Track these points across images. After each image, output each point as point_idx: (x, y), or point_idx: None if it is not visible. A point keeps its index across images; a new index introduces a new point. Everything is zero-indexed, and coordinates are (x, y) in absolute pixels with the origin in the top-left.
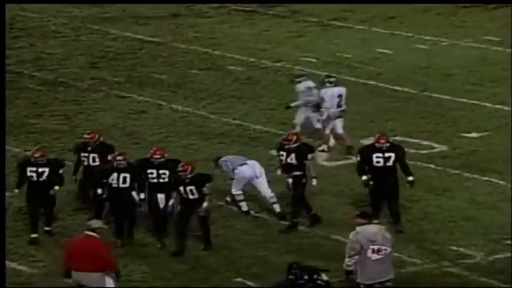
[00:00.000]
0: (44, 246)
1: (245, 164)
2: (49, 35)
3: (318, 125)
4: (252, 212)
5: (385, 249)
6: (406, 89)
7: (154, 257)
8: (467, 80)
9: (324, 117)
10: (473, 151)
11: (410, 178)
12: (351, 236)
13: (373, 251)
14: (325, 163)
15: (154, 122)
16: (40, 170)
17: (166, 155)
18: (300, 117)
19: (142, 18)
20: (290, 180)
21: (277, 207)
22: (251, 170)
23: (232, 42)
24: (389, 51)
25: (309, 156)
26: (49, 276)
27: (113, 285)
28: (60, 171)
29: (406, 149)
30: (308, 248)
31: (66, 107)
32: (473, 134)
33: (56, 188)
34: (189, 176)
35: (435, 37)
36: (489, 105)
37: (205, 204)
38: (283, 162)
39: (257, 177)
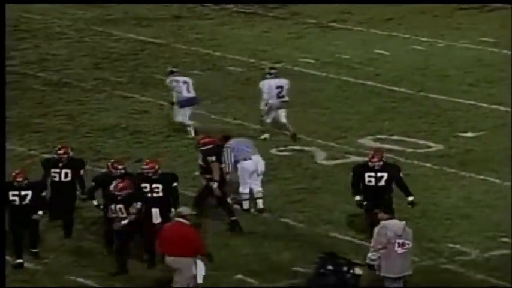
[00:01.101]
0: (47, 243)
1: (250, 159)
2: (53, 36)
3: (284, 120)
4: (252, 210)
5: (408, 244)
6: (403, 89)
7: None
8: (464, 80)
9: (262, 106)
10: (469, 150)
11: (410, 198)
12: (377, 230)
13: (399, 245)
14: (323, 162)
15: (156, 121)
16: (23, 193)
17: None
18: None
19: (144, 20)
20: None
21: (260, 203)
22: (254, 165)
23: (233, 44)
24: (387, 52)
25: (209, 159)
26: (52, 274)
27: (203, 269)
28: (43, 193)
29: (403, 148)
30: (307, 246)
31: (70, 107)
32: (469, 134)
33: (40, 212)
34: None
35: (432, 38)
36: (485, 105)
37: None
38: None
39: (257, 174)
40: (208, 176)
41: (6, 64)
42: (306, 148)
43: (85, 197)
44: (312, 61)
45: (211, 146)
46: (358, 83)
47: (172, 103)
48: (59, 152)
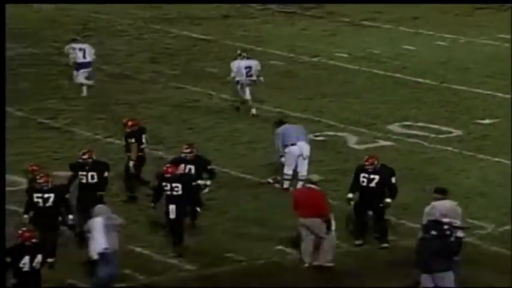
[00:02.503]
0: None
1: (295, 144)
2: (116, 34)
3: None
4: (291, 189)
5: (454, 223)
6: (427, 81)
7: (207, 228)
8: (482, 73)
9: (229, 78)
10: (486, 135)
11: (388, 200)
12: (427, 210)
13: None
14: (355, 146)
15: (205, 109)
16: (46, 195)
17: (177, 171)
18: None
19: (196, 19)
20: None
21: (299, 185)
22: (299, 150)
23: (275, 40)
24: (413, 48)
25: (129, 140)
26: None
27: (334, 225)
28: (67, 196)
29: (427, 134)
30: (339, 221)
31: (130, 96)
32: (486, 121)
33: (70, 217)
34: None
35: (454, 35)
36: (500, 95)
37: None
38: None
39: (303, 158)
40: (128, 154)
41: None
42: (339, 133)
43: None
44: (345, 55)
45: (135, 128)
46: (387, 75)
47: (71, 66)
48: (84, 156)
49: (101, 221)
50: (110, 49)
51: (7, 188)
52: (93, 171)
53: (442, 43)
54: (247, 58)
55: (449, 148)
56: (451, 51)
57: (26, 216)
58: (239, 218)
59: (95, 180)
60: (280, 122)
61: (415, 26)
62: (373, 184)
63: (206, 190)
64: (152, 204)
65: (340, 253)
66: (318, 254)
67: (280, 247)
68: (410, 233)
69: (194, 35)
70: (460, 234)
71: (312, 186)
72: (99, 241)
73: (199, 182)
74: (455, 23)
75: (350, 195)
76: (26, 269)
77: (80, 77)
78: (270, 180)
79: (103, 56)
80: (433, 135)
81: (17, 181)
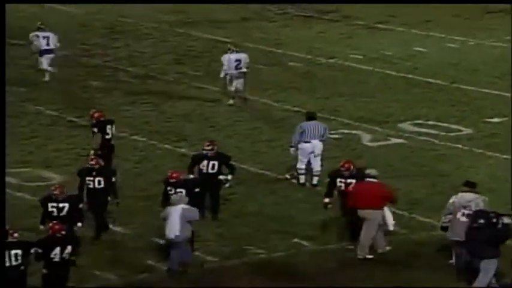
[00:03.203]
0: (136, 211)
1: (309, 142)
2: (141, 36)
3: (240, 87)
4: (307, 184)
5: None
6: (438, 81)
7: (228, 221)
8: (491, 73)
9: (222, 75)
10: (495, 134)
11: None
12: (450, 200)
13: (463, 215)
14: (368, 143)
15: (226, 108)
16: (60, 205)
17: (181, 176)
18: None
19: (218, 23)
20: None
21: (315, 179)
22: (312, 148)
23: (293, 43)
24: (425, 50)
25: (93, 129)
26: (138, 237)
27: (392, 218)
28: (80, 206)
29: (437, 132)
30: None
31: (155, 96)
32: (495, 120)
33: (79, 225)
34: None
35: (464, 37)
36: (509, 95)
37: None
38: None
39: (315, 156)
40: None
41: (103, 60)
42: (353, 131)
43: (118, 201)
44: (360, 57)
45: (100, 119)
46: (399, 76)
47: (35, 53)
48: (91, 162)
49: (180, 209)
50: (135, 51)
51: (39, 183)
52: (100, 176)
53: (453, 45)
54: (237, 52)
55: (459, 146)
56: (461, 53)
57: (42, 227)
58: (258, 212)
59: (102, 185)
60: (310, 117)
61: (426, 28)
62: (350, 188)
63: (227, 185)
64: (160, 209)
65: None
66: (376, 241)
67: (296, 240)
68: (421, 227)
69: (216, 38)
70: (506, 220)
71: (373, 180)
72: (173, 228)
73: (221, 177)
74: (465, 26)
75: (326, 200)
76: (56, 259)
77: (44, 63)
78: (288, 176)
79: (129, 57)
80: (443, 134)
81: (50, 176)
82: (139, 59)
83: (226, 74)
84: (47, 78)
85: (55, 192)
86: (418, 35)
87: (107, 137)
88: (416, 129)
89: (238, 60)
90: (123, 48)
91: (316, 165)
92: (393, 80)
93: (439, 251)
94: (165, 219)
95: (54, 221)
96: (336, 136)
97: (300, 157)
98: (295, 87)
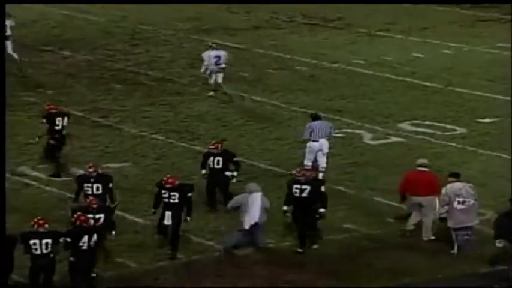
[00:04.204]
0: None
1: (317, 141)
2: (160, 43)
3: (220, 81)
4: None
5: (468, 201)
6: (434, 84)
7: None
8: (483, 77)
9: (202, 70)
10: (487, 133)
11: (322, 210)
12: (442, 191)
13: (459, 203)
14: (370, 141)
15: (238, 109)
16: (97, 216)
17: (177, 182)
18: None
19: (231, 30)
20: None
21: (320, 176)
22: (319, 146)
23: (300, 48)
24: (422, 55)
25: (43, 120)
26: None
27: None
28: (113, 216)
29: (433, 131)
30: (356, 208)
31: (172, 98)
32: (487, 120)
33: (113, 233)
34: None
35: (458, 44)
36: (500, 97)
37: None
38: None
39: (322, 154)
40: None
41: (125, 64)
42: (356, 131)
43: (115, 205)
44: (362, 62)
45: (51, 111)
46: (398, 80)
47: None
48: (89, 169)
49: (259, 196)
50: (154, 56)
51: (65, 178)
52: (98, 183)
53: (448, 51)
54: (217, 49)
55: (454, 144)
56: (456, 58)
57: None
58: None
59: (100, 191)
60: (315, 117)
61: (423, 35)
62: (305, 194)
63: (234, 180)
64: (153, 210)
65: (356, 237)
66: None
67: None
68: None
69: (228, 44)
70: None
71: (425, 169)
72: (253, 214)
73: (227, 173)
74: (460, 33)
75: (285, 208)
76: (84, 247)
77: (9, 47)
78: (293, 172)
79: (149, 62)
80: (439, 133)
81: (76, 172)
82: (158, 63)
83: (206, 69)
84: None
85: (92, 205)
86: (415, 41)
87: (56, 128)
88: (414, 128)
89: (218, 57)
90: (143, 54)
91: (322, 162)
92: (393, 83)
93: (437, 241)
94: (239, 207)
95: (79, 213)
96: (340, 135)
97: (307, 155)
98: (301, 90)
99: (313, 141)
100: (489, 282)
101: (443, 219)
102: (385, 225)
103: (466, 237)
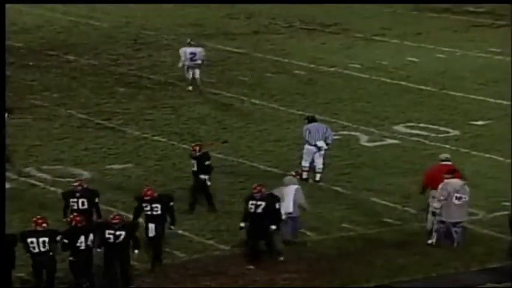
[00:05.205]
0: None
1: (315, 144)
2: (162, 47)
3: (197, 76)
4: (310, 180)
5: (464, 198)
6: (428, 88)
7: (239, 214)
8: (476, 81)
9: (180, 65)
10: (479, 135)
11: (273, 227)
12: (441, 186)
13: (456, 198)
14: (366, 143)
15: (238, 112)
16: (117, 233)
17: (155, 194)
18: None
19: (231, 35)
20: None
21: (317, 176)
22: (316, 148)
23: (298, 53)
24: (417, 60)
25: None
26: None
27: None
28: (136, 233)
29: (428, 133)
30: (353, 207)
31: (173, 101)
32: (480, 122)
33: (136, 251)
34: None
35: (451, 49)
36: (492, 100)
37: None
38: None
39: (320, 155)
40: None
41: (127, 69)
42: (352, 133)
43: (101, 220)
44: (358, 66)
45: None
46: (394, 83)
47: None
48: (75, 184)
49: (293, 190)
50: (157, 60)
51: (69, 179)
52: (83, 198)
53: (441, 55)
54: (193, 46)
55: (447, 146)
56: (449, 62)
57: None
58: None
59: (86, 206)
60: (311, 120)
61: (418, 40)
62: (259, 210)
63: (208, 183)
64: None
65: (352, 236)
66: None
67: (301, 230)
68: (414, 219)
69: (228, 48)
70: None
71: (447, 162)
72: (288, 206)
73: (201, 176)
74: (453, 39)
75: (242, 224)
76: (82, 247)
77: None
78: (293, 173)
79: (151, 66)
80: (433, 135)
81: (80, 173)
82: (160, 67)
83: (183, 65)
84: None
85: (113, 221)
86: (410, 46)
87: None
88: (409, 130)
89: (193, 53)
90: (146, 58)
91: (319, 163)
92: (388, 87)
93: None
94: (280, 197)
95: (75, 214)
96: (337, 137)
97: (304, 156)
98: (299, 93)
99: (310, 144)
100: (483, 279)
101: (435, 214)
102: (381, 224)
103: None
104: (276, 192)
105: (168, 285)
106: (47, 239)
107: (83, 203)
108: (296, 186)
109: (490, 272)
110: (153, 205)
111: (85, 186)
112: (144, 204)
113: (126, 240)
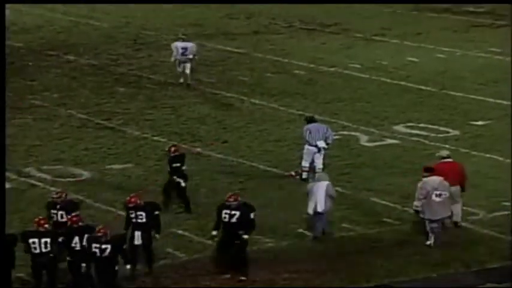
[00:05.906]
0: None
1: (315, 144)
2: (162, 47)
3: (187, 71)
4: (310, 180)
5: (444, 194)
6: (428, 88)
7: None
8: (475, 81)
9: (172, 60)
10: (479, 135)
11: (245, 236)
12: (419, 184)
13: (436, 195)
14: (366, 143)
15: (237, 112)
16: (103, 246)
17: (139, 201)
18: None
19: (230, 35)
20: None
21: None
22: (316, 149)
23: (298, 53)
24: (417, 60)
25: None
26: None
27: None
28: (124, 247)
29: (428, 133)
30: (353, 207)
31: (173, 101)
32: (480, 122)
33: (128, 266)
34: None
35: (451, 49)
36: (492, 100)
37: None
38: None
39: (320, 154)
40: None
41: (127, 69)
42: (352, 133)
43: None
44: (358, 66)
45: None
46: (394, 83)
47: None
48: (54, 196)
49: (325, 185)
50: (156, 60)
51: (69, 179)
52: (63, 210)
53: (441, 55)
54: (184, 40)
55: (447, 146)
56: (449, 62)
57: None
58: (266, 205)
59: (64, 219)
60: (310, 120)
61: (418, 41)
62: (234, 220)
63: (183, 185)
64: (125, 231)
65: (353, 236)
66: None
67: (300, 230)
68: (413, 219)
69: (228, 48)
70: None
71: (448, 160)
72: (320, 202)
73: (175, 177)
74: (453, 39)
75: (214, 233)
76: (77, 248)
77: None
78: (293, 173)
79: (151, 66)
80: (433, 135)
81: (80, 173)
82: (160, 67)
83: (175, 60)
84: None
85: (98, 234)
86: (410, 46)
87: None
88: (408, 130)
89: (185, 48)
90: (145, 58)
91: (319, 163)
92: (388, 87)
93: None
94: (310, 193)
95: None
96: (337, 137)
97: (304, 156)
98: (299, 93)
99: (310, 144)
100: (483, 279)
101: (418, 212)
102: (381, 224)
103: (437, 229)
104: (308, 188)
105: (168, 285)
106: (48, 240)
107: (61, 216)
108: (327, 182)
109: (490, 272)
110: (138, 213)
111: (67, 198)
112: (130, 212)
113: (112, 254)
